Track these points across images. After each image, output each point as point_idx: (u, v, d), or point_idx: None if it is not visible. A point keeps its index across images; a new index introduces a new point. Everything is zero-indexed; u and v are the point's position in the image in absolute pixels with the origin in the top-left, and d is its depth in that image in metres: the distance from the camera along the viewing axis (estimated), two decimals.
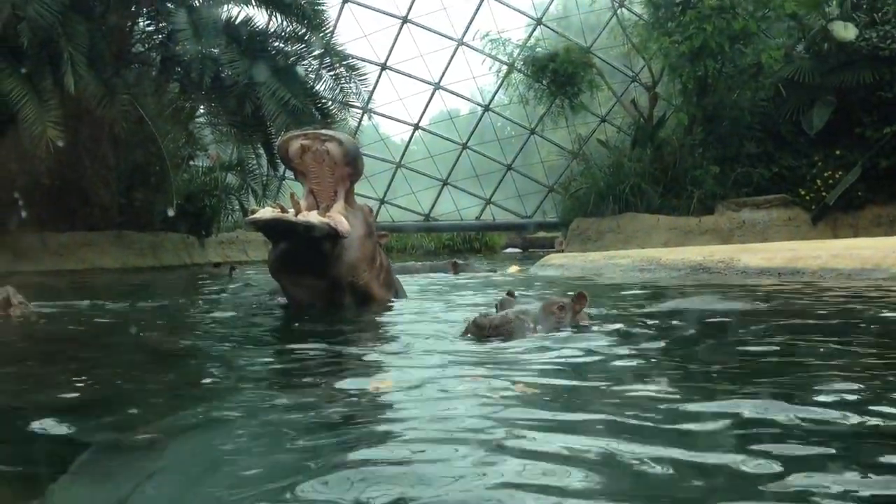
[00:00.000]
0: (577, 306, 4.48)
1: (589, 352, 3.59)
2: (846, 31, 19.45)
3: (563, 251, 21.96)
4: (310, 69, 22.44)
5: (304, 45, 21.82)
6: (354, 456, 2.02)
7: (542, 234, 35.50)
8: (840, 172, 19.77)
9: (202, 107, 21.85)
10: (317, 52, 22.01)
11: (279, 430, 2.35)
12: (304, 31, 21.48)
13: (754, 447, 1.94)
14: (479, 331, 3.97)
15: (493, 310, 4.34)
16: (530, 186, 34.91)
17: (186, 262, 19.44)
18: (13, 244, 16.14)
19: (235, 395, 2.87)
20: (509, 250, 35.07)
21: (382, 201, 34.12)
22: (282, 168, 25.14)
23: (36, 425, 2.41)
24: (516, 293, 4.71)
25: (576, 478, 1.75)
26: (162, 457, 2.17)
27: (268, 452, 2.15)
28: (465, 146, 33.57)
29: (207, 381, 3.33)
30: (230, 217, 23.22)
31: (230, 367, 3.70)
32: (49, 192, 17.14)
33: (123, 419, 2.60)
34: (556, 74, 24.33)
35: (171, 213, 17.16)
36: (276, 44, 21.60)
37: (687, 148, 22.07)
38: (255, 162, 22.38)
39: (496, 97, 33.11)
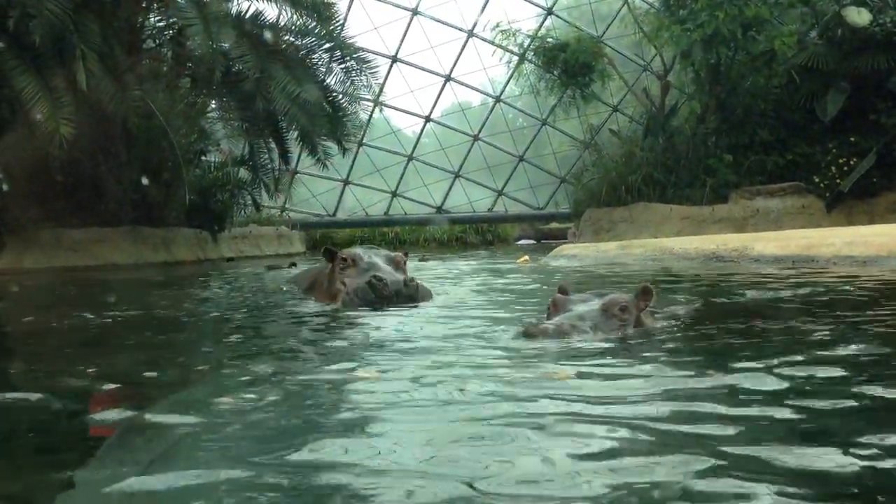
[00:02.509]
0: (642, 303, 4.00)
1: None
2: (860, 17, 19.25)
3: (576, 242, 21.93)
4: (320, 63, 22.46)
5: (314, 39, 21.84)
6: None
7: (554, 224, 35.48)
8: (855, 159, 19.58)
9: (213, 102, 21.92)
10: (327, 46, 22.04)
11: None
12: (314, 24, 21.49)
13: None
14: (529, 340, 3.58)
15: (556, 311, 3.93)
16: (542, 177, 34.87)
17: (200, 257, 19.52)
18: (27, 240, 16.27)
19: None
20: (522, 242, 35.09)
21: (394, 194, 34.18)
22: (294, 162, 25.25)
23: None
24: (568, 289, 4.23)
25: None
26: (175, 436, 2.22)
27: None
28: (476, 138, 33.54)
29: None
30: (243, 212, 23.28)
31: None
32: (62, 188, 17.24)
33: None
34: (567, 64, 24.21)
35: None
36: (287, 38, 21.62)
37: (699, 136, 21.91)
38: (266, 156, 22.44)
39: (507, 88, 33.07)
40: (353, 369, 3.18)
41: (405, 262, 6.51)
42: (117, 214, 17.84)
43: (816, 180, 20.15)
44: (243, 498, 1.71)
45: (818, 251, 10.02)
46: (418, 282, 5.98)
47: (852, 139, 19.77)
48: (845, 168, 19.65)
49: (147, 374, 3.30)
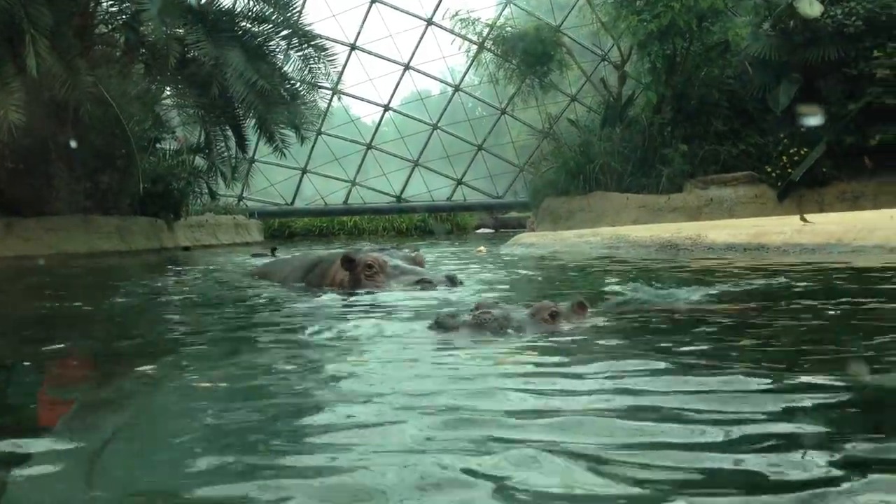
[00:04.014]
0: (577, 316, 3.76)
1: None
2: (811, 9, 19.59)
3: (534, 231, 22.07)
4: (278, 50, 22.25)
5: (271, 26, 21.61)
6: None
7: (513, 214, 35.67)
8: (805, 149, 19.98)
9: (168, 88, 21.57)
10: (284, 33, 21.82)
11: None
12: (271, 11, 21.27)
13: None
14: (442, 332, 3.46)
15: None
16: (501, 166, 35.01)
17: (155, 245, 19.28)
18: None
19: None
20: (481, 231, 35.19)
21: (353, 183, 34.04)
22: (251, 150, 25.01)
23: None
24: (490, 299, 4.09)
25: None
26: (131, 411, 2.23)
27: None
28: (435, 127, 33.53)
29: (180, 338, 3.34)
30: (199, 200, 23.02)
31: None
32: (13, 177, 16.87)
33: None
34: (526, 54, 24.31)
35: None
36: (244, 24, 21.37)
37: (656, 126, 22.17)
38: (223, 144, 22.17)
39: (466, 77, 33.07)
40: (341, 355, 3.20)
41: (423, 260, 6.40)
42: (70, 203, 17.52)
43: (769, 170, 20.52)
44: (203, 471, 1.73)
45: (769, 239, 10.23)
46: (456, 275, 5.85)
47: (803, 129, 20.16)
48: (796, 158, 20.04)
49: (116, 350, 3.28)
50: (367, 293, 5.59)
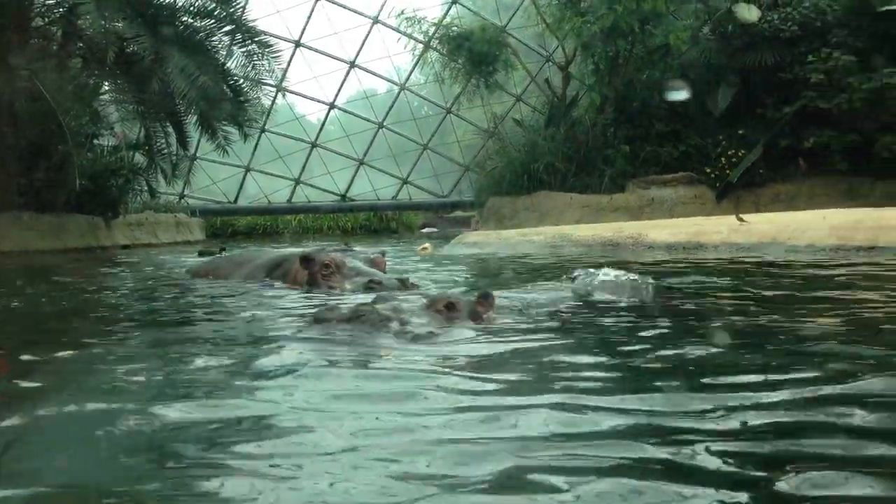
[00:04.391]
0: (480, 308, 3.61)
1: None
2: (749, 13, 20.07)
3: (478, 230, 22.15)
4: (220, 46, 21.89)
5: (213, 21, 21.25)
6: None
7: (459, 213, 35.75)
8: (743, 151, 20.45)
9: (106, 83, 21.04)
10: (227, 29, 21.45)
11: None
12: (213, 6, 20.91)
13: None
14: (320, 326, 3.27)
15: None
16: (447, 166, 35.04)
17: (92, 244, 18.79)
18: None
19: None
20: (426, 230, 35.19)
21: (297, 181, 33.72)
22: (192, 147, 24.57)
23: None
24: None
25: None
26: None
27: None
28: (381, 125, 33.40)
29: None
30: (138, 198, 22.51)
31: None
32: None
33: None
34: (472, 53, 24.37)
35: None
36: (185, 19, 20.97)
37: (599, 127, 22.45)
38: (163, 141, 21.69)
39: (412, 76, 33.02)
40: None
41: (385, 263, 6.43)
42: (2, 200, 16.97)
43: (707, 171, 20.96)
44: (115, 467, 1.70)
45: (707, 238, 10.46)
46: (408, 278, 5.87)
47: (741, 132, 20.64)
48: (734, 160, 20.51)
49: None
50: (318, 292, 5.71)
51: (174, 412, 2.19)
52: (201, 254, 13.37)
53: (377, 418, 2.07)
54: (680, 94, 19.59)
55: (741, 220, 10.96)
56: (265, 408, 2.26)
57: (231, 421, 2.12)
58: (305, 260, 6.08)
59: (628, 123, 22.21)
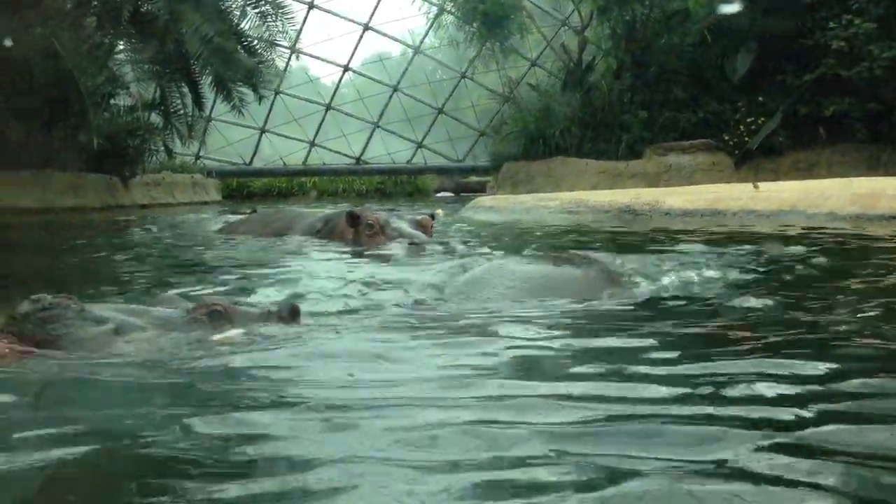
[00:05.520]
0: (281, 320, 2.89)
1: None
2: None
3: (493, 194, 22.11)
4: (234, 6, 21.76)
5: None
6: None
7: (474, 178, 35.62)
8: (762, 118, 20.25)
9: (122, 43, 20.99)
10: None
11: None
12: None
13: None
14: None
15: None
16: (461, 130, 34.80)
17: (111, 203, 18.89)
18: None
19: None
20: (441, 194, 35.11)
21: (312, 144, 33.63)
22: (208, 109, 24.54)
23: None
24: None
25: None
26: None
27: None
28: (395, 89, 33.18)
29: None
30: (155, 158, 22.54)
31: None
32: None
33: None
34: (487, 17, 24.15)
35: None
36: None
37: (615, 93, 22.26)
38: (179, 102, 21.68)
39: (426, 39, 32.73)
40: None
41: (433, 225, 6.44)
42: (23, 158, 17.03)
43: (726, 138, 20.78)
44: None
45: (726, 205, 10.41)
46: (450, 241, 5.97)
47: (760, 99, 20.42)
48: (753, 127, 20.31)
49: None
50: (364, 251, 5.82)
51: None
52: (233, 213, 13.53)
53: None
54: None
55: (757, 187, 10.90)
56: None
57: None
58: (352, 217, 6.22)
59: (646, 89, 22.01)
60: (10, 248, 7.48)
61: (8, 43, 15.10)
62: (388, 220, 6.19)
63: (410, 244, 5.68)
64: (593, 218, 11.62)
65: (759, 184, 11.34)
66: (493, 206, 14.76)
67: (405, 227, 6.14)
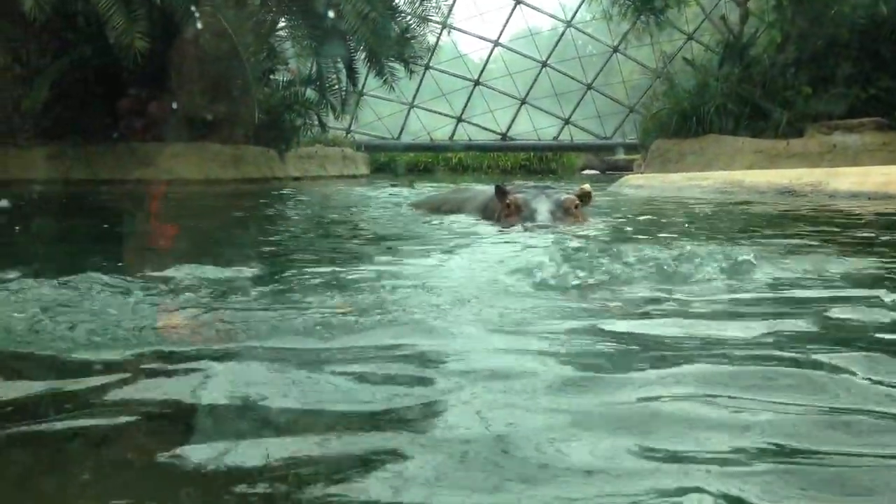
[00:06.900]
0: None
1: None
2: None
3: (642, 173, 21.58)
4: None
5: None
6: None
7: (621, 155, 34.92)
8: None
9: (283, 20, 21.87)
10: None
11: None
12: None
13: None
14: None
15: None
16: (611, 107, 34.18)
17: (267, 175, 19.81)
18: (102, 153, 16.77)
19: None
20: (587, 172, 34.67)
21: (459, 119, 33.95)
22: (360, 83, 25.21)
23: None
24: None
25: None
26: None
27: None
28: (545, 64, 32.94)
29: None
30: (309, 132, 23.43)
31: None
32: (135, 103, 17.58)
33: None
34: None
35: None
36: None
37: (778, 67, 21.07)
38: (334, 77, 22.40)
39: (578, 13, 32.21)
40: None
41: (579, 206, 6.02)
42: (188, 130, 18.13)
43: None
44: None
45: None
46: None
47: None
48: None
49: None
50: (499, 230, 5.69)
51: None
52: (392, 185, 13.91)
53: None
54: None
55: None
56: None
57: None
58: (500, 192, 6.17)
59: (811, 63, 20.72)
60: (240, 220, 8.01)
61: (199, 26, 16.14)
62: (526, 200, 5.96)
63: (527, 227, 5.54)
64: (749, 198, 11.11)
65: None
66: (643, 185, 14.42)
67: (541, 209, 5.87)
